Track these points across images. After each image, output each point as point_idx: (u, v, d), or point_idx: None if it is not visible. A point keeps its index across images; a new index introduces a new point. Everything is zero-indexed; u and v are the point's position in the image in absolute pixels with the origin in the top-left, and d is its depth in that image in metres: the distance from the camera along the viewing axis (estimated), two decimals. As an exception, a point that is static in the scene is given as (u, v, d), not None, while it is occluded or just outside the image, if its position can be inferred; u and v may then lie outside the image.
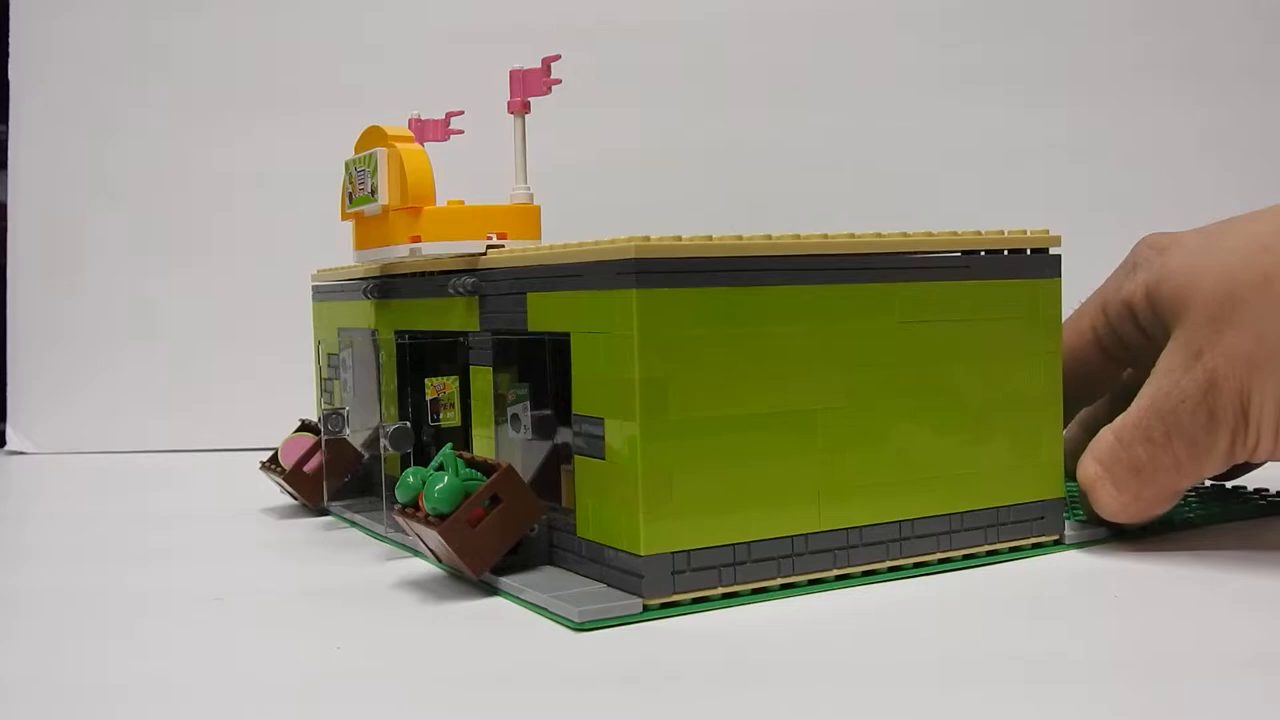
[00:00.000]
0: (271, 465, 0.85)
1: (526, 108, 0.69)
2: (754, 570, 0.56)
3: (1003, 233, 0.63)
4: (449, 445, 0.62)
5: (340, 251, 0.84)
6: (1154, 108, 1.11)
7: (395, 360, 0.78)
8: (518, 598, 0.57)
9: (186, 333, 1.22)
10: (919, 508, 0.60)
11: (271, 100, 1.21)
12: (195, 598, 0.61)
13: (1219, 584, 0.58)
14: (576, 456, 0.58)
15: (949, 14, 1.14)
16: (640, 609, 0.53)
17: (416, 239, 0.68)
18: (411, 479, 0.61)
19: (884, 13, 1.14)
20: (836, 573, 0.58)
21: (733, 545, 0.55)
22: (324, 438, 0.78)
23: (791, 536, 0.57)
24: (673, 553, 0.54)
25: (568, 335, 0.58)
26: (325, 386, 0.92)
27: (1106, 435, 0.63)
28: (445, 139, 0.78)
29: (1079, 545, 0.65)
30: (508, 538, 0.59)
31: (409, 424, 0.68)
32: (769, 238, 0.57)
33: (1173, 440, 0.61)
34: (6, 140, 1.26)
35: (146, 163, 1.23)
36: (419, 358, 0.75)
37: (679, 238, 0.55)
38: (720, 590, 0.55)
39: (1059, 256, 0.65)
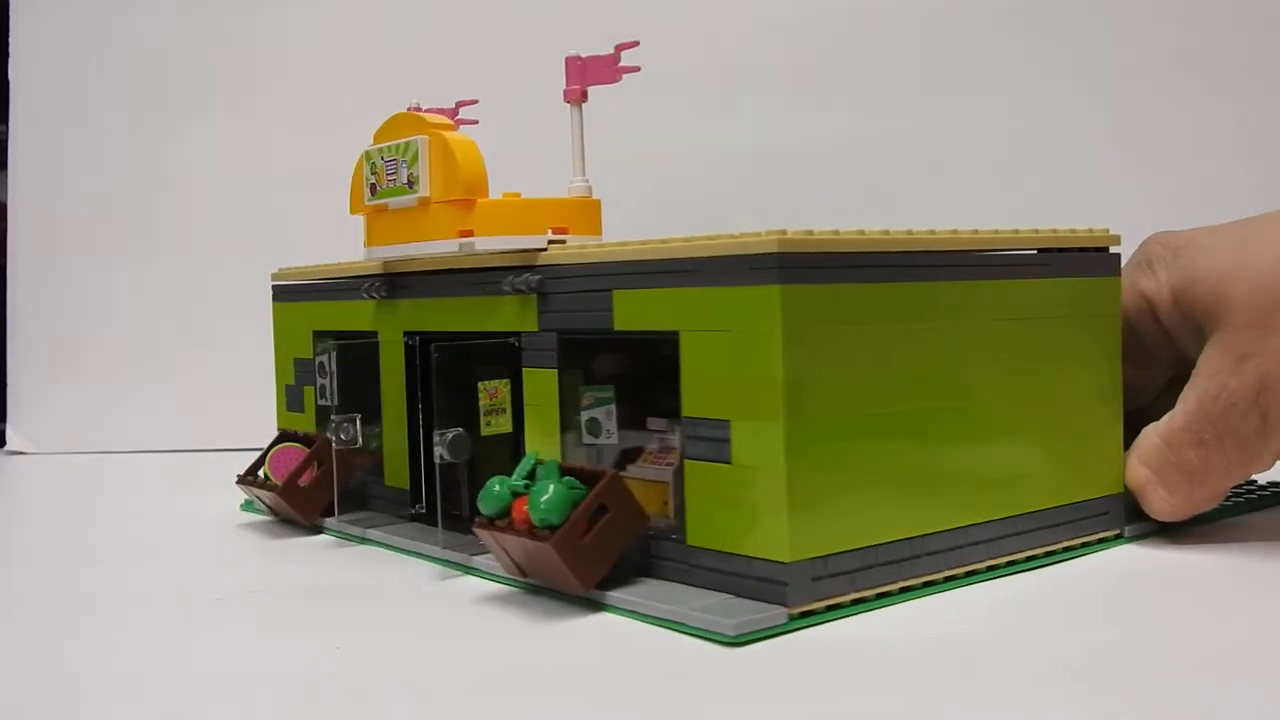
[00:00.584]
0: (252, 479, 0.78)
1: (584, 96, 0.65)
2: (881, 574, 0.55)
3: (1074, 231, 0.64)
4: (534, 451, 0.58)
5: (350, 248, 0.79)
6: (1161, 106, 1.08)
7: (405, 363, 0.73)
8: (636, 613, 0.54)
9: (187, 333, 1.20)
10: (1011, 506, 0.60)
11: (276, 100, 1.20)
12: (196, 597, 0.61)
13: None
14: (688, 461, 0.55)
15: (967, 11, 1.10)
16: (785, 619, 0.51)
17: (467, 233, 0.63)
18: (498, 488, 0.57)
19: (889, 10, 1.11)
20: (946, 574, 0.57)
21: (861, 549, 0.54)
22: (335, 448, 0.72)
23: (909, 539, 0.56)
24: (811, 559, 0.52)
25: (673, 334, 0.55)
26: (289, 393, 0.86)
27: (1152, 438, 0.65)
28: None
29: (1135, 539, 0.66)
30: (615, 549, 0.55)
31: (463, 430, 0.63)
32: (886, 233, 0.56)
33: (1224, 442, 0.62)
34: (6, 140, 1.26)
35: (147, 163, 1.23)
36: (436, 360, 0.69)
37: (810, 232, 0.53)
38: (851, 596, 0.54)
39: (1119, 255, 0.66)
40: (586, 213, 0.65)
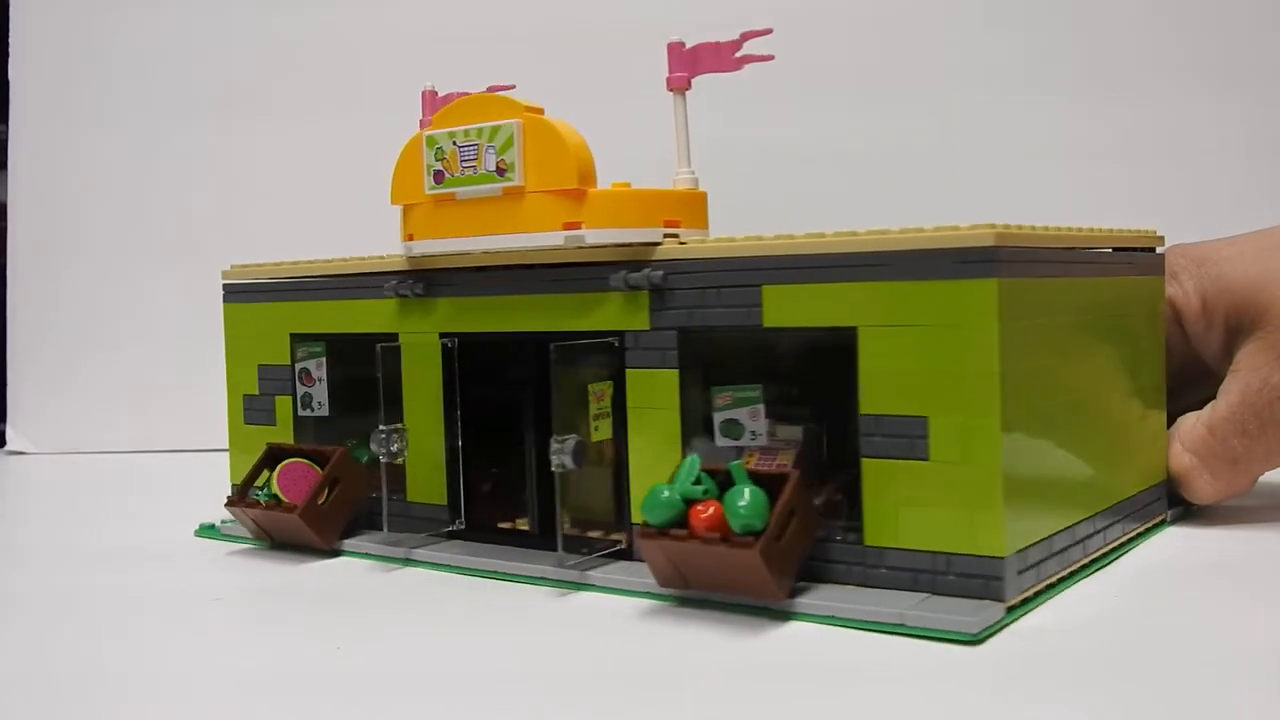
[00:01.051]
0: (254, 502, 0.69)
1: (689, 85, 0.62)
2: (1053, 564, 0.55)
3: (1136, 230, 0.67)
4: (694, 454, 0.55)
5: (350, 246, 0.72)
6: (1181, 106, 1.05)
7: (443, 367, 0.67)
8: (836, 618, 0.52)
9: (187, 332, 1.13)
10: (1115, 493, 0.62)
11: (275, 99, 1.18)
12: (194, 598, 0.60)
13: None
14: (866, 460, 0.54)
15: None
16: (1004, 613, 0.51)
17: (574, 225, 0.59)
18: (667, 494, 0.53)
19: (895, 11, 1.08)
20: (1082, 561, 0.59)
21: (1041, 541, 0.55)
22: (384, 462, 0.65)
23: (1067, 528, 0.57)
24: (1017, 552, 0.52)
25: (846, 330, 0.54)
26: (250, 404, 0.77)
27: (1198, 428, 0.69)
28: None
29: (1174, 523, 0.70)
30: (800, 555, 0.53)
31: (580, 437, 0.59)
32: (1066, 229, 0.57)
33: (1267, 432, 0.67)
34: (6, 140, 1.25)
35: (146, 162, 1.21)
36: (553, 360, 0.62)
37: (1007, 226, 0.53)
38: (1035, 587, 0.54)
39: (1162, 255, 0.70)
40: (696, 206, 0.63)
